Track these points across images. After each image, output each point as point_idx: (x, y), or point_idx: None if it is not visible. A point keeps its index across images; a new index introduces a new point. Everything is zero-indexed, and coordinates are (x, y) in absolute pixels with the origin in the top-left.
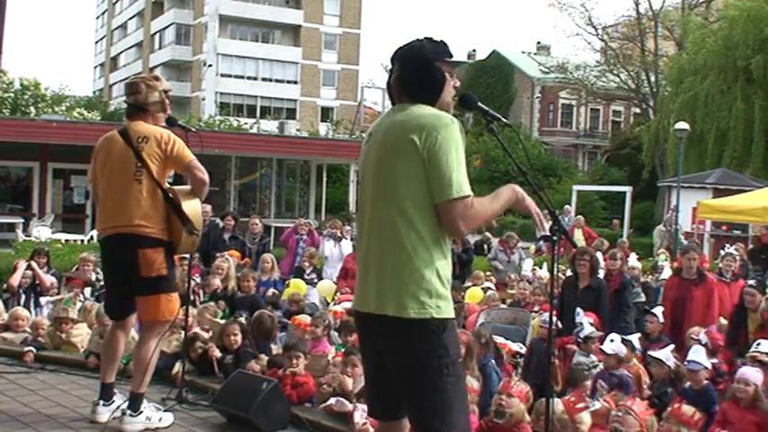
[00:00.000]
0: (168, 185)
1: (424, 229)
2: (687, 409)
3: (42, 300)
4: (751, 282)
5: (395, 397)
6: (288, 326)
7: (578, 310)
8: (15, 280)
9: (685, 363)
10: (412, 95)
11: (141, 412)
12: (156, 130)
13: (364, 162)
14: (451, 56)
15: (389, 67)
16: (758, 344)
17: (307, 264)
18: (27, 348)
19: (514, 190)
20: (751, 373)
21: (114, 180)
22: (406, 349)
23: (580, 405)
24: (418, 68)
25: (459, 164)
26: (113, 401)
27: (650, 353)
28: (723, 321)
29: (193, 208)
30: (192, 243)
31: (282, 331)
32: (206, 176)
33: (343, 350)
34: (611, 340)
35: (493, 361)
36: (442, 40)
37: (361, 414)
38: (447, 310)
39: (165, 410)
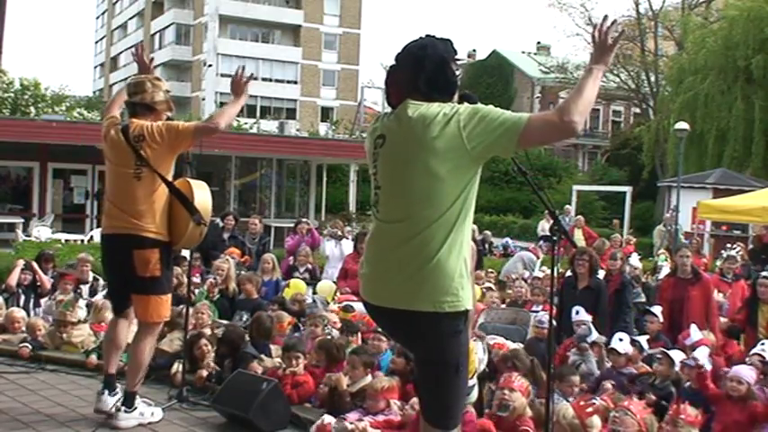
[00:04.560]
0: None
1: (450, 223)
2: (691, 411)
3: (42, 301)
4: (764, 273)
5: None
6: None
7: (578, 308)
8: (13, 280)
9: (686, 360)
10: (427, 95)
11: (135, 408)
12: (146, 124)
13: (382, 159)
14: (457, 53)
15: (393, 65)
16: (763, 343)
17: (300, 262)
18: (22, 345)
19: (594, 68)
20: (744, 372)
21: (115, 178)
22: (431, 344)
23: (589, 410)
24: (436, 69)
25: (497, 110)
26: (117, 392)
27: (662, 349)
28: (723, 320)
29: (203, 199)
30: (199, 234)
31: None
32: (211, 125)
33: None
34: (621, 339)
35: None
36: (449, 39)
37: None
38: (468, 301)
39: (163, 408)
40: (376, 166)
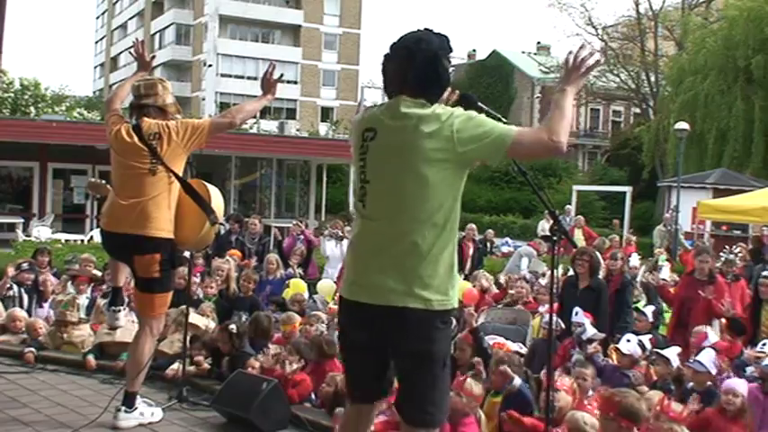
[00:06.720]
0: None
1: (438, 224)
2: (676, 406)
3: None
4: (765, 273)
5: (381, 383)
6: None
7: (577, 309)
8: (2, 288)
9: (690, 361)
10: (417, 91)
11: (136, 408)
12: (162, 123)
13: (372, 154)
14: (452, 51)
15: (387, 53)
16: (764, 344)
17: (292, 261)
18: (27, 349)
19: (569, 89)
20: (738, 385)
21: (126, 172)
22: (418, 340)
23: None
24: (427, 65)
25: (490, 119)
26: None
27: (656, 350)
28: (722, 322)
29: (218, 200)
30: (212, 234)
31: None
32: (226, 119)
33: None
34: (628, 340)
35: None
36: (445, 35)
37: None
38: (456, 300)
39: (163, 408)
40: (364, 160)
